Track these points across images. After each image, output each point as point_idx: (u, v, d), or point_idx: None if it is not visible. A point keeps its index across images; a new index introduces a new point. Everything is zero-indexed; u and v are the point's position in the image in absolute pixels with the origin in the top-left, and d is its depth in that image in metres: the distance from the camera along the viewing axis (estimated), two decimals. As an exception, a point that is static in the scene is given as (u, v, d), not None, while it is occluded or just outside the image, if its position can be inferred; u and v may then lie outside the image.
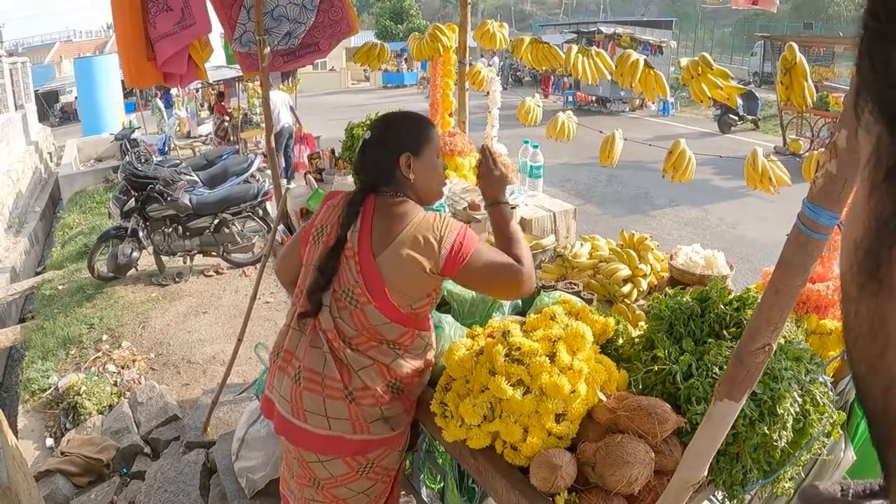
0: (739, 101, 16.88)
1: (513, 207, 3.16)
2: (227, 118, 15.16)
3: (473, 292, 2.49)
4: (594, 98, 23.20)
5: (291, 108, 12.18)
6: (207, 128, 17.42)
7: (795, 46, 2.53)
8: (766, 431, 1.69)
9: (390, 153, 2.15)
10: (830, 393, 1.86)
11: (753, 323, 1.14)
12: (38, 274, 9.56)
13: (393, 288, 2.03)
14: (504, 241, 2.13)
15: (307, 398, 2.12)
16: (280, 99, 11.76)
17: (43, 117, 25.64)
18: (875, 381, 0.35)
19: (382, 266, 2.03)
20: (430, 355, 2.24)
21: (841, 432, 1.96)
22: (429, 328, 2.20)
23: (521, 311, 2.44)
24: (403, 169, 2.14)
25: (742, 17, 42.43)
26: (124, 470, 4.35)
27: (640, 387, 1.91)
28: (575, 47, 3.25)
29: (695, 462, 1.31)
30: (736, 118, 17.21)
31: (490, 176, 2.22)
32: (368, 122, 4.03)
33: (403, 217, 2.08)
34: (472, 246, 2.02)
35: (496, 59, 27.03)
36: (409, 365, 2.14)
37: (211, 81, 15.58)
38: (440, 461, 2.59)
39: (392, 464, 2.29)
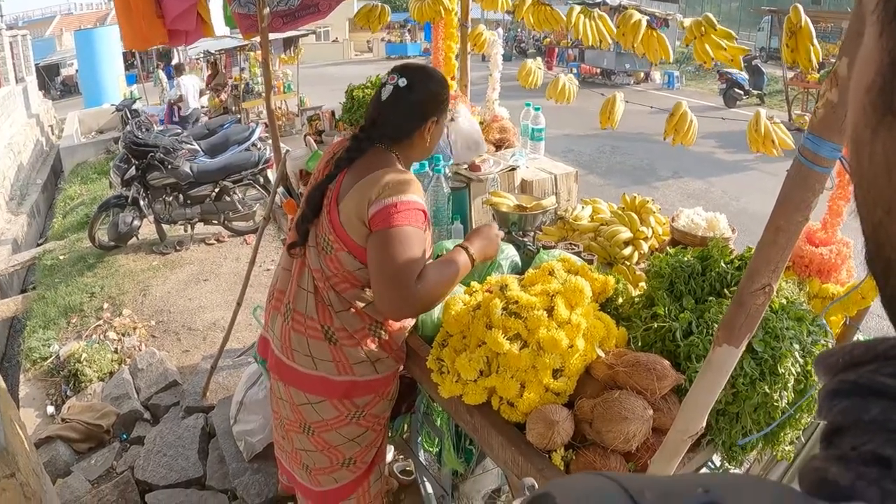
0: (745, 76, 16.82)
1: (513, 169, 3.14)
2: (231, 88, 15.08)
3: None
4: (598, 70, 23.04)
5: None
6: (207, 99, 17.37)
7: (800, 7, 2.48)
8: (767, 390, 1.66)
9: (420, 112, 2.08)
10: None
11: (753, 263, 1.11)
12: (39, 245, 9.55)
13: (350, 233, 2.00)
14: (440, 265, 2.03)
15: (294, 338, 2.17)
16: (191, 83, 12.67)
17: (44, 90, 25.55)
18: (894, 224, 0.34)
19: (341, 214, 2.01)
20: None
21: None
22: None
23: (521, 272, 2.42)
24: (425, 133, 2.10)
25: (750, -9, 41.96)
26: (124, 435, 4.35)
27: (640, 344, 1.89)
28: (577, 7, 3.19)
29: (693, 413, 1.29)
30: (741, 93, 17.06)
31: (489, 237, 2.18)
32: (370, 83, 3.98)
33: (371, 168, 2.02)
34: (403, 221, 1.92)
35: (500, 30, 26.77)
36: None
37: (211, 51, 15.49)
38: (438, 422, 2.57)
39: (381, 412, 2.31)
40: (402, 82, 2.04)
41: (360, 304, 2.11)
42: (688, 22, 2.81)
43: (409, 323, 2.26)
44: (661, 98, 19.06)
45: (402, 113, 2.07)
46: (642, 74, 22.47)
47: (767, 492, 0.33)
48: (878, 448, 0.32)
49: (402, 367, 2.32)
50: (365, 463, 2.37)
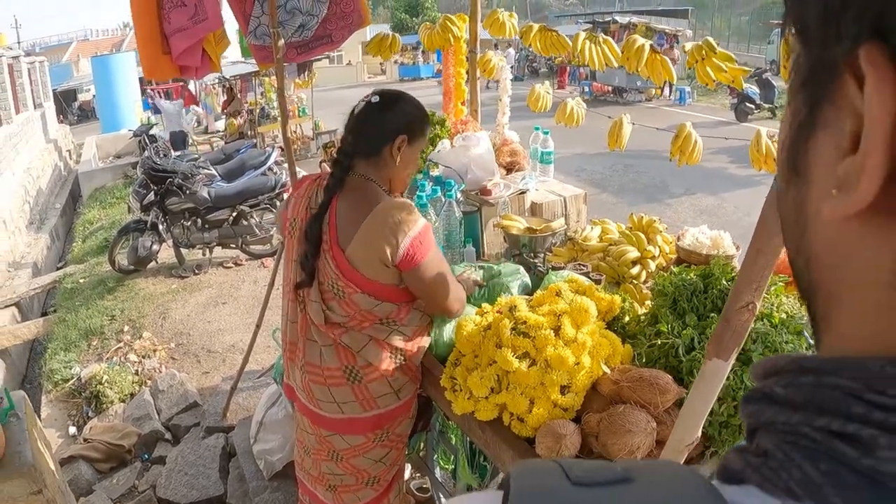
0: (756, 90, 16.86)
1: (523, 192, 3.22)
2: (246, 113, 15.28)
3: (487, 271, 2.55)
4: (611, 88, 23.09)
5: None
6: (224, 123, 17.60)
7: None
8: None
9: (389, 128, 2.14)
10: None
11: (737, 283, 1.19)
12: (59, 269, 9.70)
13: (369, 276, 2.09)
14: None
15: (316, 389, 2.26)
16: (172, 108, 13.71)
17: (61, 116, 25.93)
18: (800, 258, 0.42)
19: (352, 260, 2.08)
20: (427, 324, 2.31)
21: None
22: None
23: (530, 293, 2.49)
24: (394, 149, 2.15)
25: (759, 6, 41.99)
26: (146, 455, 4.44)
27: (644, 360, 1.96)
28: (583, 34, 3.28)
29: (689, 422, 1.36)
30: (753, 106, 17.08)
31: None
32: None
33: (366, 205, 2.08)
34: (427, 250, 2.07)
35: (511, 50, 26.95)
36: (406, 336, 2.22)
37: (227, 77, 15.70)
38: (453, 440, 2.65)
39: (404, 430, 2.40)
40: (375, 99, 2.14)
41: (381, 336, 2.18)
42: (689, 46, 2.90)
43: (426, 344, 2.33)
44: (672, 114, 19.11)
45: (371, 127, 2.15)
46: (654, 91, 22.50)
47: (676, 473, 0.42)
48: (765, 443, 0.40)
49: (419, 387, 2.39)
50: (387, 481, 2.44)
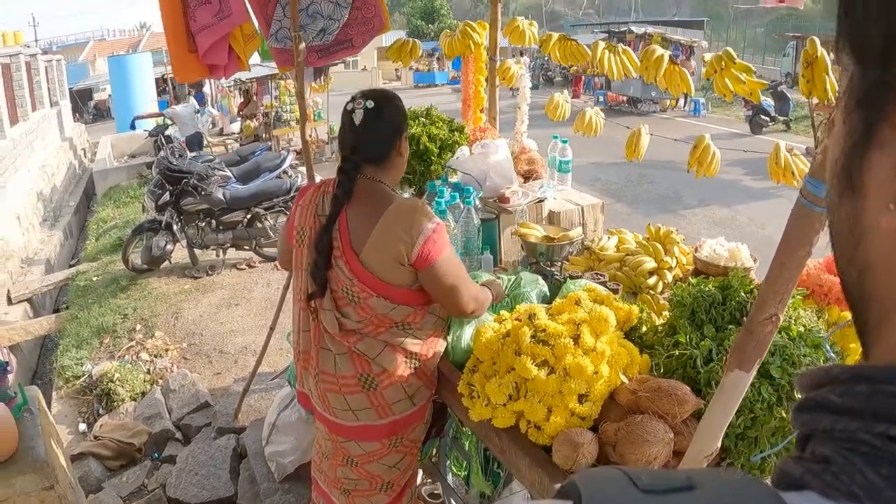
0: (771, 102, 16.82)
1: (541, 201, 3.23)
2: (262, 116, 15.34)
3: (506, 278, 2.57)
4: (625, 98, 23.06)
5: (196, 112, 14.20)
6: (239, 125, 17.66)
7: (817, 41, 2.55)
8: (784, 415, 1.73)
9: (394, 131, 2.19)
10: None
11: (761, 295, 1.20)
12: (71, 266, 9.76)
13: (384, 278, 2.11)
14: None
15: (331, 398, 2.27)
16: (185, 111, 13.78)
17: (77, 114, 26.09)
18: (852, 269, 0.44)
19: (367, 263, 2.10)
20: (442, 328, 2.33)
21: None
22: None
23: (550, 302, 2.50)
24: (401, 148, 2.21)
25: (774, 18, 41.93)
26: (156, 454, 4.46)
27: (662, 371, 1.96)
28: (602, 43, 3.29)
29: (708, 433, 1.37)
30: (767, 119, 17.05)
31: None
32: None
33: (377, 207, 2.11)
34: (442, 248, 2.10)
35: (526, 58, 26.96)
36: (420, 340, 2.23)
37: (243, 79, 15.78)
38: (466, 446, 2.65)
39: (418, 436, 2.42)
40: (370, 104, 2.13)
41: (397, 341, 2.19)
42: (708, 56, 2.90)
43: (441, 348, 2.33)
44: (687, 126, 19.08)
45: (378, 133, 2.16)
46: (668, 102, 22.48)
47: (738, 480, 0.43)
48: (824, 450, 0.41)
49: (434, 392, 2.40)
50: (400, 486, 2.45)
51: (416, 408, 2.30)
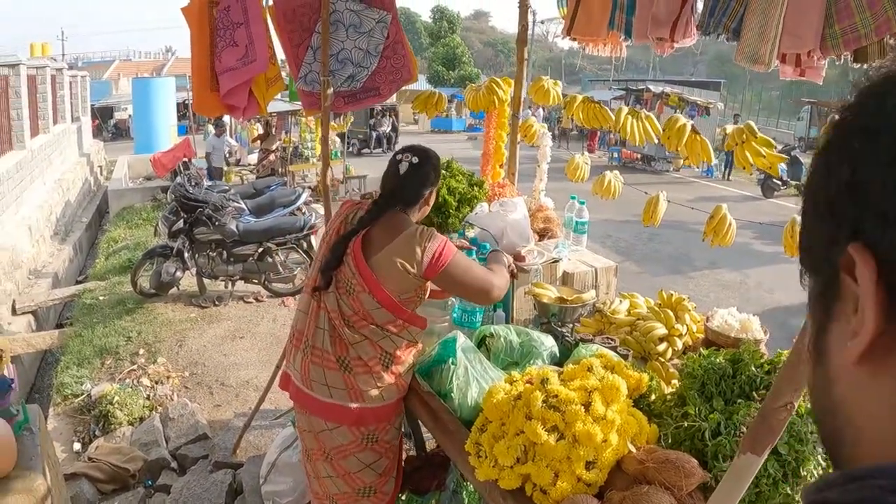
0: (783, 166, 16.87)
1: (556, 261, 3.26)
2: (279, 150, 15.44)
3: (517, 336, 2.62)
4: (639, 156, 23.21)
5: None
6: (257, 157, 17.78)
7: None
8: (789, 492, 1.74)
9: (426, 185, 2.60)
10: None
11: (777, 382, 1.22)
12: (78, 282, 9.79)
13: (382, 281, 2.42)
14: (489, 265, 2.64)
15: (312, 370, 2.54)
16: (219, 144, 14.84)
17: (96, 132, 26.35)
18: (826, 414, 0.54)
19: (374, 267, 2.44)
20: (418, 346, 2.65)
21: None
22: (419, 325, 2.58)
23: (559, 363, 2.52)
24: (430, 197, 2.65)
25: (790, 81, 41.93)
26: (149, 482, 4.42)
27: (670, 441, 1.97)
28: (625, 108, 3.35)
29: (718, 514, 1.38)
30: (779, 183, 17.14)
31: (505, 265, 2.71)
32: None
33: (397, 229, 2.47)
34: (450, 255, 2.43)
35: (540, 111, 27.16)
36: (395, 344, 2.52)
37: (264, 114, 15.92)
38: (465, 501, 2.65)
39: (392, 438, 2.64)
40: (415, 160, 2.56)
41: (375, 338, 2.48)
42: (730, 129, 2.95)
43: (413, 359, 2.63)
44: (700, 186, 19.21)
45: (416, 183, 2.58)
46: (682, 161, 22.57)
47: None
48: None
49: (402, 397, 2.63)
50: (385, 494, 2.65)
51: (384, 403, 2.53)
